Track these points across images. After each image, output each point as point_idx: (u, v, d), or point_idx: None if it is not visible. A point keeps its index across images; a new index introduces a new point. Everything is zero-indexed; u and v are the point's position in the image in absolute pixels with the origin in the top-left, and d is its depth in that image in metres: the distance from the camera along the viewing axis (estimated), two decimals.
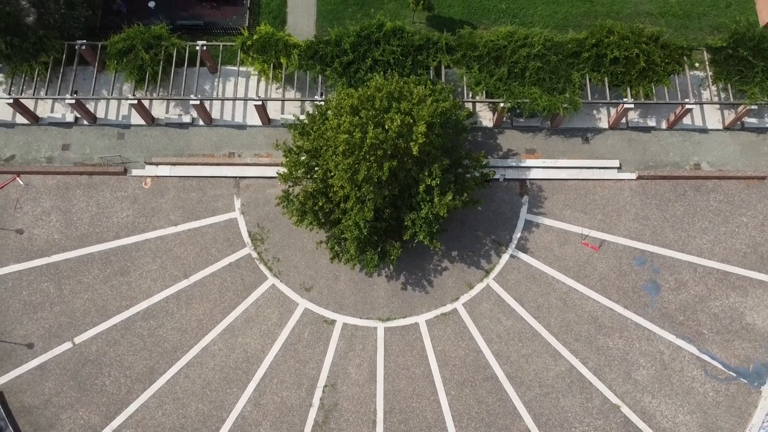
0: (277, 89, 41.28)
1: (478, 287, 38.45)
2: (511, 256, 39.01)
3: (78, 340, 37.46)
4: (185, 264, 38.82)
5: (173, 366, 37.02)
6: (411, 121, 32.39)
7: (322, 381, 36.82)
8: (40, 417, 36.22)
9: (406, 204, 35.24)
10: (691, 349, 37.31)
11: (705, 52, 40.18)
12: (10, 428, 35.81)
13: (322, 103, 37.61)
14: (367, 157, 32.05)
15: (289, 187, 36.61)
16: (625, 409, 36.34)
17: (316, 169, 35.51)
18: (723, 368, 36.99)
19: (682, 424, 36.15)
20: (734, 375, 36.90)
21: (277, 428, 36.08)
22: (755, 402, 36.48)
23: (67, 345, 37.36)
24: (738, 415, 36.30)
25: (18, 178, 40.15)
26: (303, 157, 35.77)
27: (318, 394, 36.61)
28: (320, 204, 35.12)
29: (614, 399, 36.50)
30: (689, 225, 39.53)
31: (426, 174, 33.67)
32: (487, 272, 38.76)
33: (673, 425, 36.13)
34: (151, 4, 42.26)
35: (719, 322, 37.74)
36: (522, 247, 39.17)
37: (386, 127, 32.30)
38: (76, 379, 36.79)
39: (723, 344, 37.37)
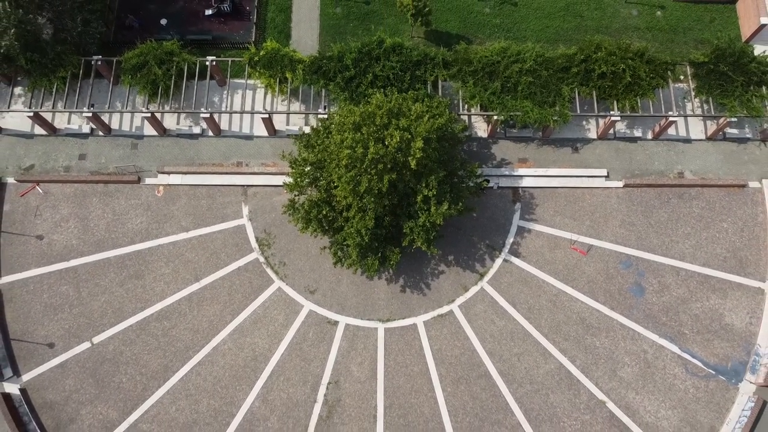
0: (282, 101, 43.41)
1: (473, 290, 40.70)
2: (504, 260, 41.26)
3: (96, 339, 39.74)
4: (196, 268, 41.06)
5: (186, 364, 39.32)
6: (409, 136, 34.59)
7: (326, 378, 39.12)
8: (62, 412, 38.55)
9: (405, 212, 37.47)
10: (673, 348, 39.58)
11: (688, 67, 42.33)
12: (34, 423, 38.15)
13: (326, 117, 39.80)
14: (369, 170, 34.30)
15: (295, 196, 38.81)
16: (611, 405, 38.64)
17: (320, 180, 37.69)
18: (703, 366, 39.28)
19: (664, 419, 38.47)
20: (713, 372, 39.19)
21: (283, 423, 38.41)
22: (733, 398, 38.78)
23: (86, 345, 39.65)
24: (717, 410, 38.60)
25: (37, 187, 42.34)
26: (308, 168, 37.98)
27: (322, 390, 38.90)
28: (324, 212, 37.38)
29: (600, 395, 38.81)
30: (673, 230, 41.75)
31: (423, 185, 35.89)
32: (482, 275, 41.00)
33: (656, 420, 38.45)
34: (163, 22, 44.36)
35: (700, 322, 40.01)
36: (514, 252, 41.41)
37: (386, 142, 34.52)
38: (94, 376, 39.10)
39: (703, 343, 39.64)
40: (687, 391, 38.90)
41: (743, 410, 38.09)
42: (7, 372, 38.88)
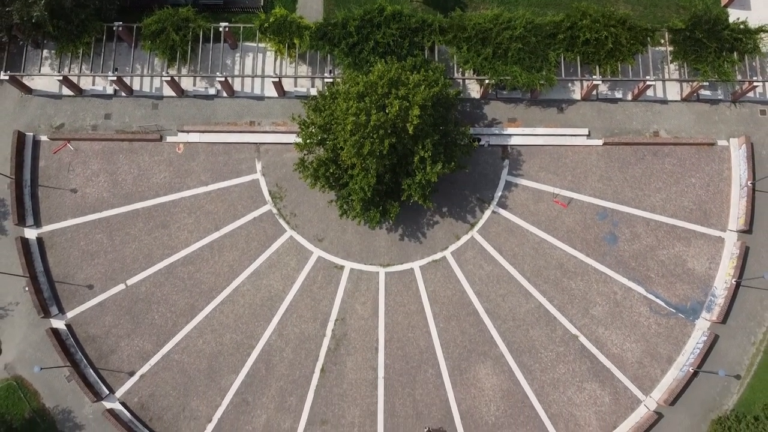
0: (290, 65, 46.78)
1: (464, 238, 45.44)
2: (493, 211, 45.80)
3: (130, 282, 44.79)
4: (216, 218, 45.64)
5: (210, 303, 44.51)
6: (407, 105, 38.41)
7: (333, 315, 44.41)
8: (103, 344, 44.06)
9: (404, 171, 41.73)
10: (640, 290, 44.69)
11: (666, 33, 45.46)
12: (80, 353, 43.73)
13: (331, 81, 43.36)
14: (371, 135, 38.32)
15: (305, 155, 42.93)
16: (583, 339, 44.10)
17: (327, 141, 41.71)
18: (665, 305, 44.52)
19: (628, 351, 44.01)
20: (674, 311, 44.45)
21: (297, 354, 43.98)
22: (689, 333, 44.20)
23: (121, 286, 44.74)
24: (674, 343, 44.09)
25: (69, 144, 46.35)
26: (315, 130, 41.91)
27: (330, 326, 44.26)
28: (331, 170, 41.60)
29: (574, 330, 44.21)
30: (646, 185, 46.07)
31: (420, 147, 39.97)
32: (472, 225, 45.66)
33: (621, 351, 44.00)
34: None
35: (665, 267, 44.95)
36: (502, 204, 45.91)
37: (387, 110, 38.39)
38: (130, 313, 44.38)
39: (667, 286, 44.73)
40: (650, 327, 44.28)
41: (697, 343, 43.50)
42: (54, 310, 44.17)
